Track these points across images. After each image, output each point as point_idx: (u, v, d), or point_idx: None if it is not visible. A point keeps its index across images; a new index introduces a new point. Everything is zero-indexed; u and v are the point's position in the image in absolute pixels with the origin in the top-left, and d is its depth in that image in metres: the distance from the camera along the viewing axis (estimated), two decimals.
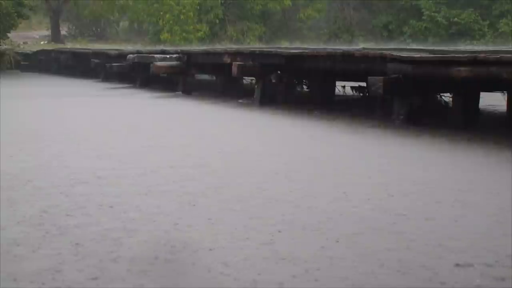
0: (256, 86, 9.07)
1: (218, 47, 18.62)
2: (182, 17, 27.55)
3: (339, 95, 9.54)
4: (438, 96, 7.78)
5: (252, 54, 9.08)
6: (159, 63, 10.93)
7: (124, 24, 37.59)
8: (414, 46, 20.41)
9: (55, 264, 2.31)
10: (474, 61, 5.68)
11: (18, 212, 3.02)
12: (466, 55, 5.91)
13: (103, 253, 2.43)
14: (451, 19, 27.41)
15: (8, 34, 20.36)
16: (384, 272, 2.26)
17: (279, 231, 2.75)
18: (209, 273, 2.25)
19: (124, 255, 2.41)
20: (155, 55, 11.38)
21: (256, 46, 21.62)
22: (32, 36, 33.04)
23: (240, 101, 9.26)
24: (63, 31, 34.41)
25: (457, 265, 2.33)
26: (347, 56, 7.31)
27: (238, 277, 2.21)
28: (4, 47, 19.39)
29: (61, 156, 4.64)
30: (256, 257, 2.40)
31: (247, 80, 11.16)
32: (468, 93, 6.57)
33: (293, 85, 9.57)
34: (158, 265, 2.32)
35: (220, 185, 3.69)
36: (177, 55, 11.16)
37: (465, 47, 19.82)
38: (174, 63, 10.97)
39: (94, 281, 2.15)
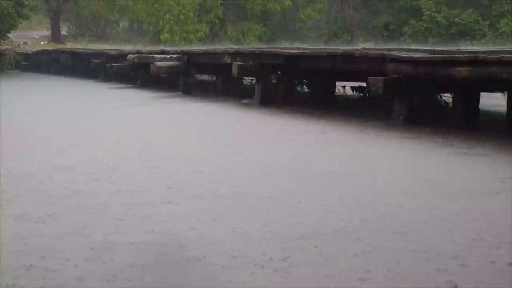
0: (256, 86, 9.07)
1: (218, 47, 18.60)
2: (182, 17, 27.52)
3: (339, 95, 9.54)
4: (438, 96, 7.77)
5: (252, 54, 9.08)
6: (159, 63, 10.92)
7: (124, 24, 37.57)
8: (414, 46, 20.43)
9: None
10: (474, 61, 5.68)
11: None
12: (466, 55, 5.91)
13: None
14: (451, 19, 27.38)
15: (8, 34, 20.34)
16: None
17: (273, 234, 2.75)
18: None
19: None
20: (155, 55, 11.37)
21: (256, 46, 21.62)
22: (32, 36, 33.01)
23: (240, 101, 9.25)
24: (63, 31, 34.38)
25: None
26: (347, 56, 7.30)
27: None
28: (4, 47, 19.38)
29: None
30: None
31: (247, 80, 11.15)
32: (468, 93, 6.56)
33: (293, 85, 9.56)
34: None
35: (220, 184, 3.69)
36: (177, 55, 11.15)
37: (465, 47, 19.84)
38: (174, 63, 10.96)
39: None
